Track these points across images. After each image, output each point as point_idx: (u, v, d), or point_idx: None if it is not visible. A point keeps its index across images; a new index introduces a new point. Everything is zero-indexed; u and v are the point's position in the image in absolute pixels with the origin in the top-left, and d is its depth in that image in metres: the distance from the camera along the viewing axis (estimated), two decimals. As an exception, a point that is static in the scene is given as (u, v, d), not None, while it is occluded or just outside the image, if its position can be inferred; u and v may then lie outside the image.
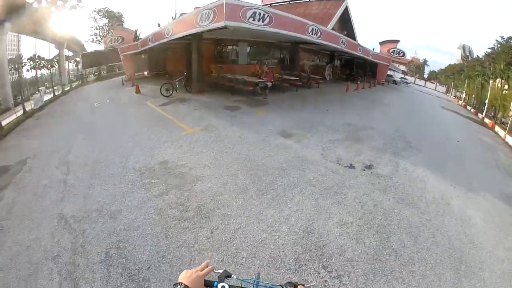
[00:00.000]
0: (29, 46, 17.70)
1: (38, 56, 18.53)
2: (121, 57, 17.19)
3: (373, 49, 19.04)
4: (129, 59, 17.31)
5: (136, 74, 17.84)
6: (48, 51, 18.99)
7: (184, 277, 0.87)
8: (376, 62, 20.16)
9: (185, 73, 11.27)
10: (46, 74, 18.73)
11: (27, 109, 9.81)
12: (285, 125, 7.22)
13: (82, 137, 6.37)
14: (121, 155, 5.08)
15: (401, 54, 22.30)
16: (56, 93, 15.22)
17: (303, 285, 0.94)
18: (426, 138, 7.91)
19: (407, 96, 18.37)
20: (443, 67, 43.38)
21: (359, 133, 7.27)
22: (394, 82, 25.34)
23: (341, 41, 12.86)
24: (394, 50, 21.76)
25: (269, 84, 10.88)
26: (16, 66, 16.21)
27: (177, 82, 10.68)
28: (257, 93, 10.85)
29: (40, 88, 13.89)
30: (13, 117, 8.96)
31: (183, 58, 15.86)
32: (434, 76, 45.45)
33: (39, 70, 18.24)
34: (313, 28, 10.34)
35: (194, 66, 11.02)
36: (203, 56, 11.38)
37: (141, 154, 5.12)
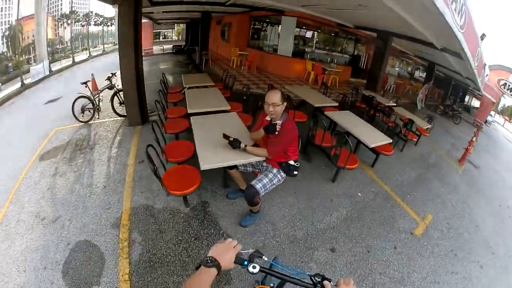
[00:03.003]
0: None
1: (96, 14, 19.79)
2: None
3: (486, 75, 12.66)
4: (144, 29, 13.39)
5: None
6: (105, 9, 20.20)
7: (214, 251, 0.79)
8: (481, 95, 13.61)
9: (114, 73, 5.28)
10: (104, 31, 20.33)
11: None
12: None
13: None
14: None
15: (515, 92, 13.68)
16: (84, 57, 15.47)
17: (330, 280, 0.81)
18: None
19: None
20: (513, 101, 34.97)
21: None
22: (485, 121, 16.12)
23: (477, 51, 7.42)
24: (505, 83, 13.89)
25: (261, 189, 2.12)
26: (69, 21, 17.27)
27: (99, 94, 5.08)
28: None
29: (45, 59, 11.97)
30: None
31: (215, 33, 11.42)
32: (510, 113, 35.54)
33: (96, 26, 19.55)
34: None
35: (123, 61, 4.21)
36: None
37: None
